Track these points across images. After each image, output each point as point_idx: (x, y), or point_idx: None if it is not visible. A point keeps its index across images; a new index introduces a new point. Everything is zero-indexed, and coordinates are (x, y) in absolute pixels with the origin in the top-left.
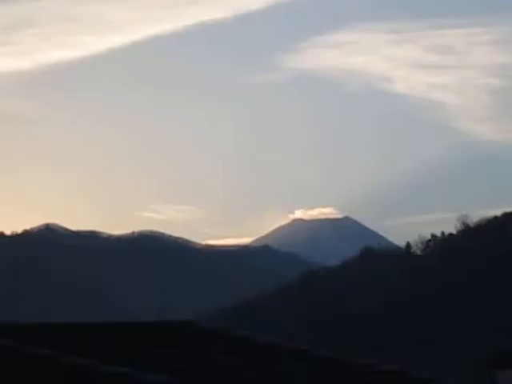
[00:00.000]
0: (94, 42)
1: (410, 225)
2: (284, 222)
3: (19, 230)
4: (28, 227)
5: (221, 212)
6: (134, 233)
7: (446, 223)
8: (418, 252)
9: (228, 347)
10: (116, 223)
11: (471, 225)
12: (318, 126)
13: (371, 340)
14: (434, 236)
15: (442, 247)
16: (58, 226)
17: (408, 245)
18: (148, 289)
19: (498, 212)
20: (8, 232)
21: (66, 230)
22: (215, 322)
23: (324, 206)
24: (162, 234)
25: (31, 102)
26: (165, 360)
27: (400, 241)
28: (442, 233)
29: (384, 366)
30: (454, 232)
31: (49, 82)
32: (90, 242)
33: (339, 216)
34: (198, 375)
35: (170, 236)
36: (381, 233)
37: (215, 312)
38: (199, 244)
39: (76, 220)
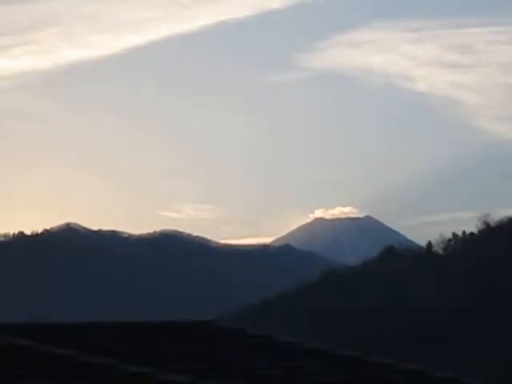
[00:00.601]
0: (114, 42)
1: (430, 224)
2: (305, 221)
3: (39, 230)
4: (48, 227)
5: (240, 212)
6: (155, 232)
7: (466, 222)
8: (440, 251)
9: (248, 346)
10: (135, 223)
11: (492, 224)
12: (337, 125)
13: (393, 340)
14: (455, 235)
15: (463, 246)
16: (78, 225)
17: (429, 244)
18: (169, 289)
19: None
20: (28, 232)
21: (87, 229)
22: (236, 322)
23: (345, 206)
24: (182, 233)
25: (50, 101)
26: (185, 360)
27: (421, 240)
28: (463, 232)
29: (405, 365)
30: (476, 231)
31: (68, 81)
32: (110, 241)
33: (360, 215)
34: (218, 375)
35: (190, 235)
36: (402, 232)
37: (236, 312)
38: (219, 243)
39: (96, 219)
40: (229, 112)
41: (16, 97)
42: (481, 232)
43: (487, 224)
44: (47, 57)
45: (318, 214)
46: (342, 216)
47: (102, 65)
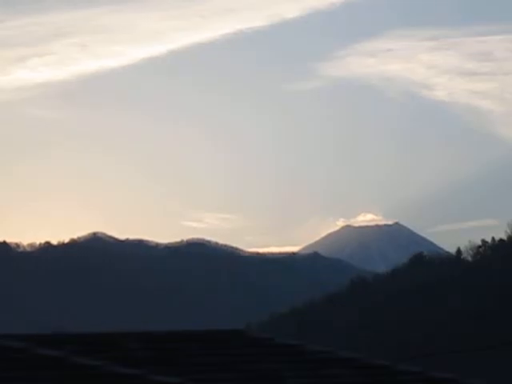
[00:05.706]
0: (131, 52)
1: (459, 231)
2: (333, 229)
3: (66, 240)
4: (75, 236)
5: (264, 221)
6: (182, 241)
7: (494, 229)
8: (469, 258)
9: (277, 355)
10: (161, 232)
11: None
12: (358, 133)
13: (420, 347)
14: (484, 242)
15: (492, 253)
16: (104, 234)
17: (458, 251)
18: (197, 297)
19: None
20: (55, 242)
21: (113, 238)
22: (264, 331)
23: (373, 213)
24: (209, 242)
25: (70, 111)
26: (213, 370)
27: (450, 247)
28: (493, 238)
29: (435, 374)
30: (505, 238)
31: (87, 92)
32: (138, 250)
33: (389, 222)
34: None
35: (217, 243)
36: (430, 239)
37: (264, 320)
38: (247, 251)
39: (121, 229)
40: (250, 121)
41: (34, 107)
42: (510, 239)
43: None
44: (65, 68)
45: (345, 221)
46: (371, 223)
47: (121, 75)
